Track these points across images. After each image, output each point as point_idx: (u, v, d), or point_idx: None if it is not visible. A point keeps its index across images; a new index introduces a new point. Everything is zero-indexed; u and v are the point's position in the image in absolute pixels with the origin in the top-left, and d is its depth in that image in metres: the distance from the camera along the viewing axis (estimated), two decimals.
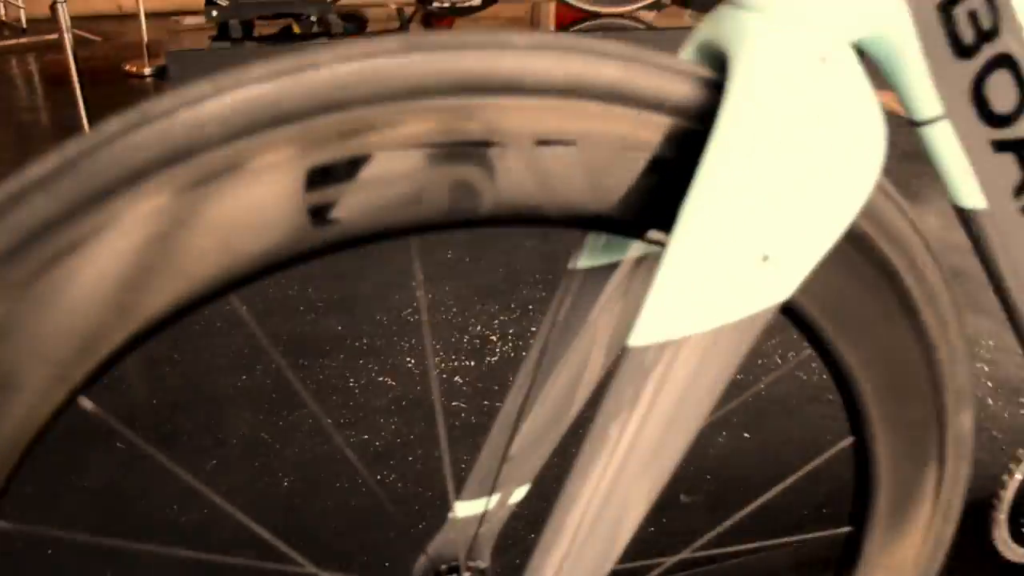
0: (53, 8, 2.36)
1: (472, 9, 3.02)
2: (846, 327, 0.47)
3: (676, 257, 0.36)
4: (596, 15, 3.22)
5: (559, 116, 0.35)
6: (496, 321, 1.56)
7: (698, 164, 0.37)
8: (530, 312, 1.59)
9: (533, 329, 1.54)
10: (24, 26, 4.06)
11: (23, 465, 0.34)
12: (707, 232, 0.36)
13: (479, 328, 1.54)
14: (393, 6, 3.20)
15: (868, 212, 0.43)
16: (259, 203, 0.32)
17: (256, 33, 2.73)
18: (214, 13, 2.70)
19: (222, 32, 2.73)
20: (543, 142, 0.35)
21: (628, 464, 0.39)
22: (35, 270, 0.30)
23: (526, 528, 1.02)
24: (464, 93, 0.33)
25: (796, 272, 0.38)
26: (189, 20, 2.92)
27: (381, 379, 1.38)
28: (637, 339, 0.37)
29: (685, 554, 0.55)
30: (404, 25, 3.01)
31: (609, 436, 0.39)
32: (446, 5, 2.97)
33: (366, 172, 0.33)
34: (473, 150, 0.34)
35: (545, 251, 1.85)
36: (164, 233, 0.31)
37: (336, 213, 0.34)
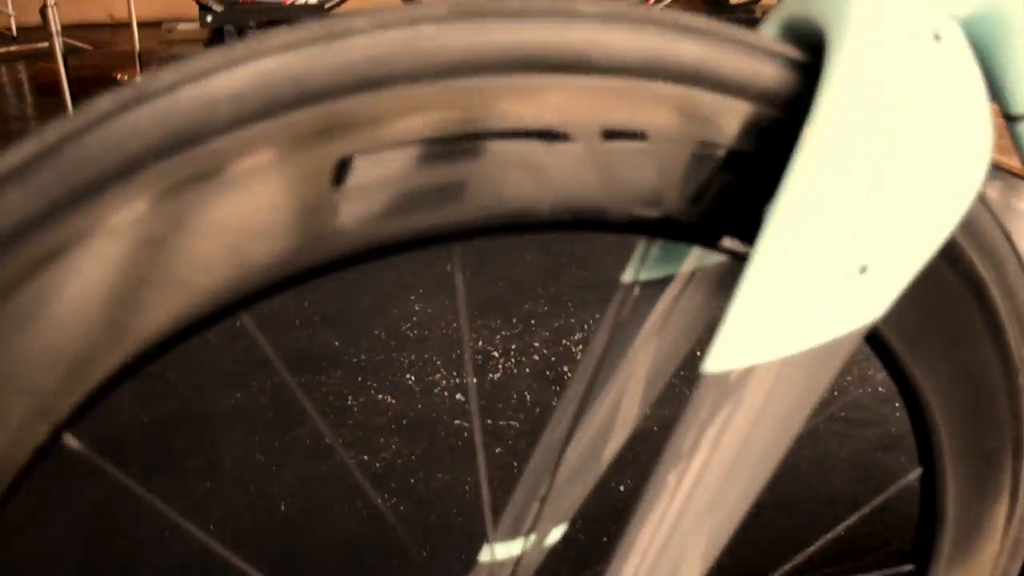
0: (44, 15, 2.31)
1: None
2: (924, 347, 0.42)
3: (762, 267, 0.31)
4: None
5: (629, 101, 0.30)
6: (498, 336, 1.51)
7: (783, 159, 0.32)
8: (532, 327, 1.54)
9: (536, 344, 1.49)
10: (14, 34, 4.01)
11: (3, 508, 0.29)
12: (800, 238, 0.31)
13: (480, 344, 1.48)
14: None
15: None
16: (277, 201, 0.27)
17: None
18: (209, 18, 2.66)
19: (216, 40, 2.69)
20: (611, 131, 0.30)
21: (690, 506, 0.34)
22: (8, 283, 0.25)
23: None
24: (524, 70, 0.28)
25: (895, 285, 0.33)
26: (183, 27, 2.88)
27: (380, 397, 1.32)
28: (715, 364, 0.32)
29: None
30: None
31: (669, 481, 0.34)
32: None
33: (405, 163, 0.28)
34: (530, 139, 0.29)
35: (546, 264, 1.80)
36: (161, 237, 0.26)
37: (369, 212, 0.28)
